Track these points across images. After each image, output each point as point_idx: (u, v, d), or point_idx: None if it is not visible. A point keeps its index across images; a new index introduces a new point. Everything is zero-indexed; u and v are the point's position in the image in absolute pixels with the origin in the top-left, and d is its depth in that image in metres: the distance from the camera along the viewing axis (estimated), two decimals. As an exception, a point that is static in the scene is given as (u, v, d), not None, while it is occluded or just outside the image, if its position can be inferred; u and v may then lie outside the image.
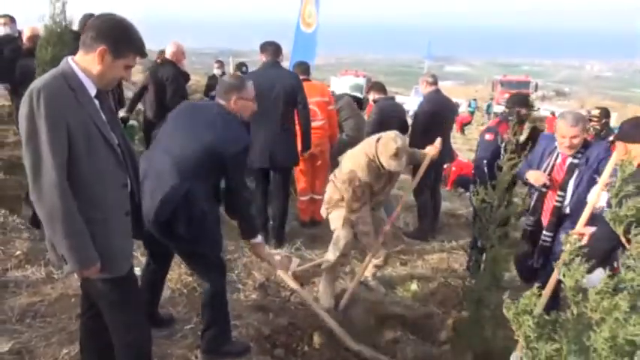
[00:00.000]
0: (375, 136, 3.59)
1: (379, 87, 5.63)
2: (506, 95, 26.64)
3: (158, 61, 5.99)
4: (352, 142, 5.43)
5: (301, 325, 3.25)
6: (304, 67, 5.18)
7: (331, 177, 3.86)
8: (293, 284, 3.44)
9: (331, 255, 3.71)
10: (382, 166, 3.46)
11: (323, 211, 3.93)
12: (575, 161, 3.38)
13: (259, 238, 2.93)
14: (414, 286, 4.21)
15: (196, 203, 2.56)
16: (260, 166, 4.50)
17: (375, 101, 5.48)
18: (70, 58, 1.92)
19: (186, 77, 5.95)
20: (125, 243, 2.09)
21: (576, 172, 3.37)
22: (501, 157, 4.06)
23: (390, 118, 5.19)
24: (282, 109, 4.36)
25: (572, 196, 3.38)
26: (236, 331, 3.09)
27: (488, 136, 4.35)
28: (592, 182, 3.35)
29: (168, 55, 5.61)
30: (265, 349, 3.00)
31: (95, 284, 2.03)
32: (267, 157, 4.39)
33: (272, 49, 4.51)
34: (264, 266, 4.06)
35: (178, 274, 3.58)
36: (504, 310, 1.18)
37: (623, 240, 1.06)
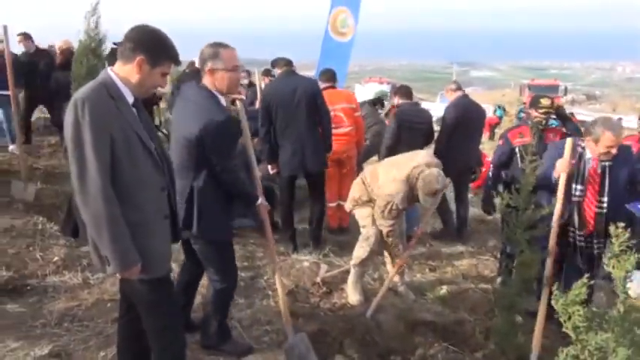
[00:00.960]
0: (419, 163, 3.58)
1: (404, 91, 5.38)
2: (536, 100, 26.21)
3: (187, 70, 6.12)
4: (373, 147, 5.49)
5: (331, 332, 3.25)
6: (329, 75, 5.22)
7: (361, 176, 3.93)
8: (276, 269, 3.16)
9: (362, 251, 3.78)
10: (428, 192, 3.50)
11: (348, 206, 4.00)
12: (607, 163, 3.32)
13: (259, 200, 2.89)
14: (443, 292, 4.16)
15: (204, 199, 2.56)
16: (290, 174, 4.53)
17: (397, 106, 5.30)
18: (109, 69, 2.02)
19: None
20: (164, 245, 2.15)
21: (608, 174, 3.31)
22: (517, 161, 4.09)
23: (412, 124, 5.05)
24: (307, 114, 4.39)
25: (610, 197, 3.32)
26: (267, 337, 3.12)
27: (500, 142, 4.44)
28: (627, 182, 3.30)
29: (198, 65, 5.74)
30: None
31: (134, 285, 2.10)
32: (297, 164, 4.42)
33: (284, 61, 4.65)
34: (292, 273, 4.10)
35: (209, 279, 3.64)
36: (552, 302, 1.17)
37: None
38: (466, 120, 5.18)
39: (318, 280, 4.00)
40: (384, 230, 3.73)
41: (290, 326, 2.95)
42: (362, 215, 3.85)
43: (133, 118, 2.00)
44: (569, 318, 1.11)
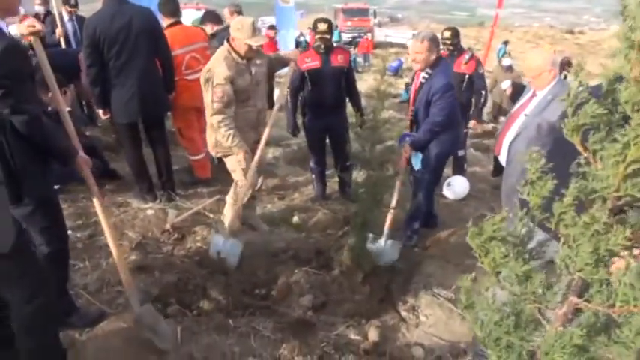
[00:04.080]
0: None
1: (213, 17, 5.16)
2: (349, 23, 27.37)
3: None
4: None
5: (192, 279, 3.11)
6: (173, 7, 4.47)
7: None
8: (105, 220, 2.64)
9: (234, 199, 3.70)
10: (245, 50, 3.34)
11: (213, 152, 3.67)
12: (423, 80, 3.66)
13: (79, 155, 2.43)
14: (295, 219, 4.26)
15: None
16: (128, 121, 4.02)
17: (213, 35, 4.95)
18: None
19: None
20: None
21: (421, 91, 3.68)
22: (308, 85, 4.31)
23: None
24: (146, 50, 3.88)
25: (415, 107, 3.76)
26: (121, 298, 2.85)
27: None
28: (427, 105, 3.60)
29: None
30: (157, 309, 2.80)
31: None
32: (137, 108, 3.94)
33: None
34: (137, 224, 3.77)
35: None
36: (468, 238, 1.18)
37: (580, 149, 1.11)
38: None
39: (168, 226, 3.75)
40: (215, 122, 3.37)
41: (134, 292, 2.61)
42: (234, 167, 3.60)
43: None
44: (486, 254, 1.14)
